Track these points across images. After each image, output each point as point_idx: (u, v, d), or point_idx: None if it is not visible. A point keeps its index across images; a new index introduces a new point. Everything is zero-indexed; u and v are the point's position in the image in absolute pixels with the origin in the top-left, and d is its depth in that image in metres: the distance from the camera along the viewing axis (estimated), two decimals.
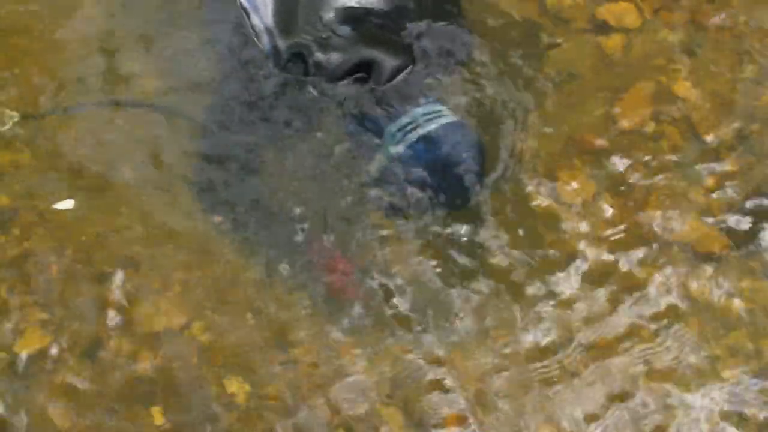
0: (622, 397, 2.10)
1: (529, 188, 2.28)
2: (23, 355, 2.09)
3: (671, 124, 2.36)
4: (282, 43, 2.18)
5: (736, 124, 2.35)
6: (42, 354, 2.10)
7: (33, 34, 2.40)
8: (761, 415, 2.09)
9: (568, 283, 2.20)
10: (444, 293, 2.18)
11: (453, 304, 2.17)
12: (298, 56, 2.17)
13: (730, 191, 2.29)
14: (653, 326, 2.16)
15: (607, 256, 2.23)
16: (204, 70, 2.32)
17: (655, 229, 2.25)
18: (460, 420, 2.08)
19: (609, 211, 2.27)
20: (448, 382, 2.10)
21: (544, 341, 2.14)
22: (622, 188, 2.29)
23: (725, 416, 2.09)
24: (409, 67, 2.21)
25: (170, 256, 2.19)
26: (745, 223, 2.26)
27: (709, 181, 2.30)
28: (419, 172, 2.12)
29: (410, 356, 2.12)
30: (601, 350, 2.14)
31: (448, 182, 2.13)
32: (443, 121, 2.15)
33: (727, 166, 2.32)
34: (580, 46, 2.44)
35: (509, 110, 2.33)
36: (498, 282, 2.19)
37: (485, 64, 2.36)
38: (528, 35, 2.44)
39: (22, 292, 2.15)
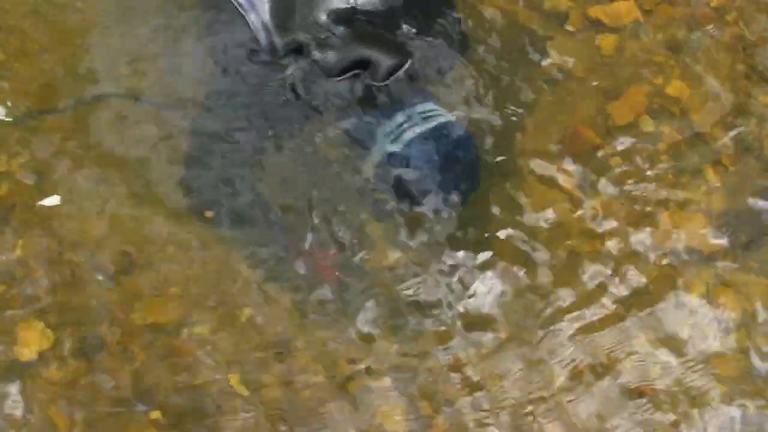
0: (624, 397, 2.11)
1: (525, 187, 2.28)
2: (22, 354, 2.09)
3: (667, 123, 2.36)
4: (279, 41, 2.19)
5: (733, 122, 2.36)
6: (41, 353, 2.09)
7: (27, 33, 2.39)
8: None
9: (565, 280, 2.20)
10: (439, 291, 2.18)
11: (448, 302, 2.17)
12: (296, 51, 2.17)
13: (727, 189, 2.30)
14: (652, 324, 2.16)
15: (604, 254, 2.23)
16: (198, 68, 2.31)
17: (652, 228, 2.26)
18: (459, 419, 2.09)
19: (606, 210, 2.28)
20: (445, 380, 2.12)
21: (542, 337, 2.15)
22: (618, 187, 2.30)
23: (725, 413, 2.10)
24: (405, 66, 2.21)
25: (169, 254, 2.19)
26: (742, 222, 2.27)
27: (707, 179, 2.31)
28: (414, 171, 2.12)
29: (408, 354, 2.13)
30: (597, 347, 2.15)
31: (443, 181, 2.13)
32: (439, 120, 2.15)
33: (724, 164, 2.32)
34: (575, 46, 2.44)
35: (504, 109, 2.33)
36: (495, 280, 2.19)
37: (481, 63, 2.36)
38: (523, 34, 2.44)
39: (21, 291, 2.14)
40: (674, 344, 2.16)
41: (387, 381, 2.12)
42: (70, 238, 2.19)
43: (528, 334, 2.16)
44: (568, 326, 2.16)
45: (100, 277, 2.16)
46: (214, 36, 2.29)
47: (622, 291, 2.20)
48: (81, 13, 2.37)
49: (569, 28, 2.45)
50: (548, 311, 2.18)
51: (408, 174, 2.13)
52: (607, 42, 2.44)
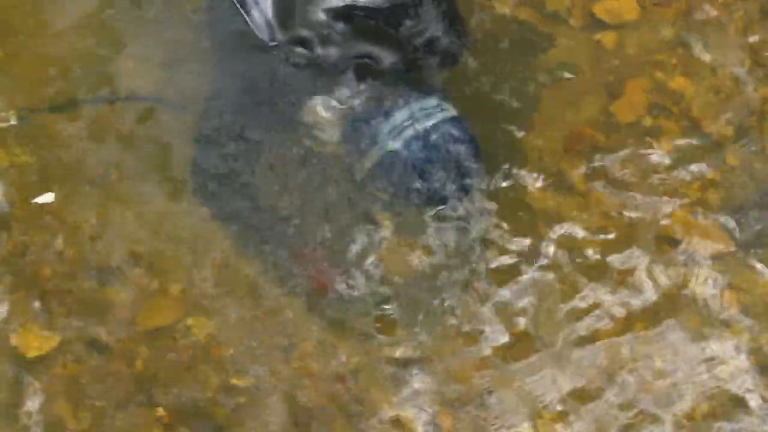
0: (617, 391, 2.10)
1: (526, 184, 2.28)
2: (26, 352, 2.09)
3: (669, 119, 2.36)
4: (281, 37, 2.20)
5: (735, 118, 2.36)
6: (44, 351, 2.10)
7: (26, 32, 2.38)
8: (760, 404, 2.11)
9: (565, 277, 2.19)
10: (439, 289, 2.17)
11: (448, 301, 2.16)
12: (299, 43, 2.17)
13: (730, 185, 2.29)
14: (651, 321, 2.15)
15: (606, 251, 2.22)
16: (200, 65, 2.32)
17: (655, 224, 2.25)
18: (452, 416, 2.08)
19: (607, 207, 2.27)
20: (441, 378, 2.11)
21: (540, 335, 2.14)
22: (621, 183, 2.29)
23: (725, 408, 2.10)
24: (406, 63, 2.20)
25: (170, 252, 2.19)
26: (745, 218, 2.26)
27: (709, 176, 2.30)
28: (415, 167, 2.11)
29: (408, 349, 2.12)
30: (595, 346, 2.14)
31: (444, 178, 2.12)
32: (440, 116, 2.15)
33: (726, 160, 2.32)
34: (577, 42, 2.44)
35: (506, 106, 2.34)
36: (494, 278, 2.18)
37: (482, 59, 2.36)
38: (524, 31, 2.44)
39: (22, 289, 2.14)
40: (677, 344, 2.15)
41: (387, 380, 2.11)
42: (70, 234, 2.19)
43: (528, 334, 2.15)
44: (573, 326, 2.16)
45: (101, 274, 2.16)
46: (215, 31, 2.29)
47: (625, 290, 2.19)
48: (79, 10, 2.38)
49: (571, 25, 2.45)
50: (552, 311, 2.17)
51: (408, 171, 2.12)
52: (609, 38, 2.44)
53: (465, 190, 2.15)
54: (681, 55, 2.43)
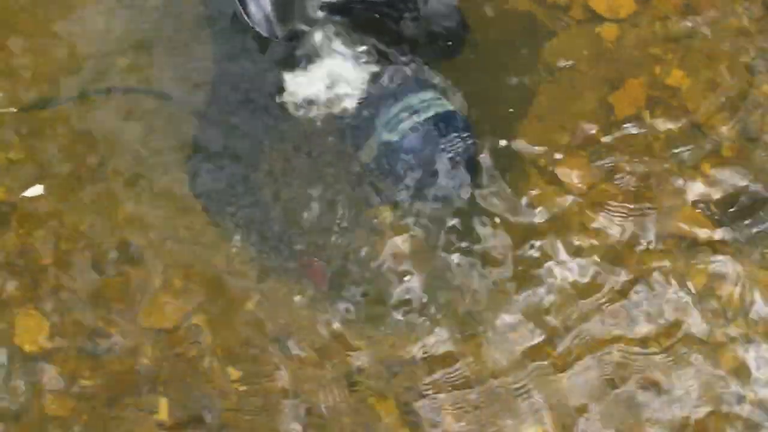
0: (620, 388, 2.10)
1: (525, 178, 2.27)
2: (24, 349, 2.10)
3: (667, 113, 2.35)
4: (280, 32, 2.21)
5: (733, 112, 2.35)
6: (43, 348, 2.10)
7: (24, 28, 2.40)
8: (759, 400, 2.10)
9: (564, 272, 2.19)
10: (438, 285, 2.17)
11: (447, 296, 2.16)
12: (298, 38, 2.20)
13: (728, 179, 2.28)
14: (651, 317, 2.15)
15: (604, 246, 2.22)
16: (200, 61, 2.33)
17: (653, 217, 2.25)
18: (458, 416, 2.08)
19: (606, 201, 2.26)
20: (444, 374, 2.11)
21: (540, 333, 2.13)
22: (619, 177, 2.29)
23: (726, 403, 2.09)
24: (405, 55, 2.21)
25: (170, 249, 2.19)
26: (743, 211, 2.25)
27: (708, 170, 2.29)
28: (412, 160, 2.12)
29: (407, 348, 2.12)
30: (597, 341, 2.13)
31: (441, 171, 2.12)
32: (437, 109, 2.15)
33: (724, 153, 2.31)
34: (575, 37, 2.44)
35: (504, 100, 2.33)
36: (493, 272, 2.18)
37: (481, 53, 2.36)
38: (523, 25, 2.44)
39: (21, 287, 2.15)
40: (673, 335, 2.14)
41: (387, 379, 2.11)
42: (68, 231, 2.20)
43: (524, 328, 2.15)
44: (567, 317, 2.15)
45: (101, 271, 2.17)
46: (215, 28, 2.31)
47: (622, 283, 2.18)
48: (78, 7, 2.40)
49: (570, 18, 2.45)
50: (549, 304, 2.16)
51: (404, 164, 2.12)
52: (607, 33, 2.44)
53: (462, 183, 2.15)
54: (679, 48, 2.42)
